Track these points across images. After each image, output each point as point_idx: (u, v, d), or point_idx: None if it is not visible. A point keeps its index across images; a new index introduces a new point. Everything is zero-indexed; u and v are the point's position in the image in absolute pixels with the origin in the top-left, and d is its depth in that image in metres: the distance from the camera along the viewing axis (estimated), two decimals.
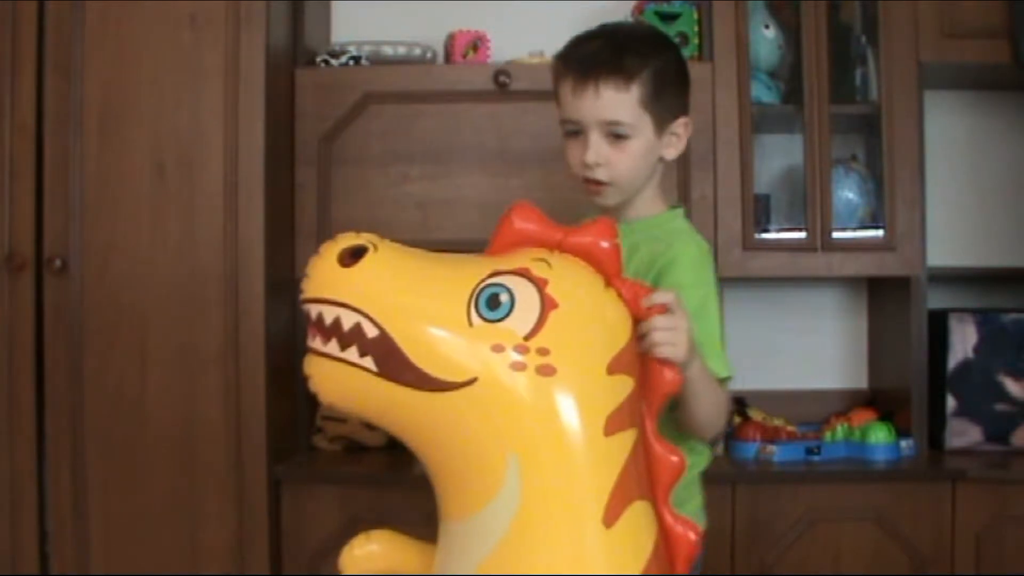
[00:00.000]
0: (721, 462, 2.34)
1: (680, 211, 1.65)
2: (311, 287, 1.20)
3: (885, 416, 2.40)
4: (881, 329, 2.63)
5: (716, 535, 2.20)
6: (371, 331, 1.14)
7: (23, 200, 2.22)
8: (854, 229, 2.42)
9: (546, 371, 1.16)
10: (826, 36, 2.37)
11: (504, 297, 1.17)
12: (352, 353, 1.15)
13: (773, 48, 2.48)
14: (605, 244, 1.25)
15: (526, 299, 1.18)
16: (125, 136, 2.22)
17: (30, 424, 2.21)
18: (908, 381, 2.38)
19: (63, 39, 2.21)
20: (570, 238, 1.25)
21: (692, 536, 1.26)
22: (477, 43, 2.46)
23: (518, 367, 1.16)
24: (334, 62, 2.43)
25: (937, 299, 2.44)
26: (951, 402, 2.40)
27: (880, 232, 2.39)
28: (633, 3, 2.48)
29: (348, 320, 1.15)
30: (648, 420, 1.26)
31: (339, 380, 1.18)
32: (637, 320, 1.25)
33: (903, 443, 2.33)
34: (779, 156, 2.60)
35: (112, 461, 2.21)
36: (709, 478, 2.23)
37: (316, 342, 1.17)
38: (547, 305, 1.18)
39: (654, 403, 1.26)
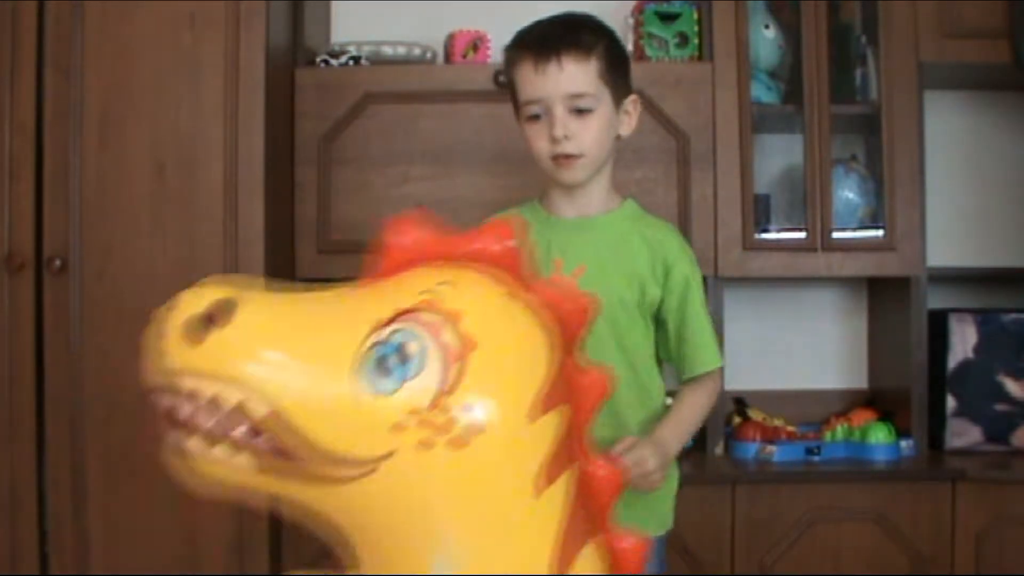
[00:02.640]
0: (721, 462, 2.34)
1: (632, 198, 1.72)
2: (155, 373, 0.96)
3: (885, 416, 2.40)
4: (881, 329, 2.63)
5: (716, 535, 2.21)
6: (258, 411, 0.92)
7: (23, 200, 2.22)
8: (854, 229, 2.43)
9: (459, 443, 0.95)
10: (826, 36, 2.37)
11: (402, 353, 0.94)
12: (227, 440, 0.93)
13: (773, 48, 2.48)
14: (510, 245, 1.05)
15: (432, 348, 0.95)
16: (125, 136, 2.22)
17: (30, 424, 2.21)
18: (908, 381, 2.38)
19: (63, 39, 2.20)
20: (468, 247, 1.04)
21: (639, 546, 1.10)
22: (477, 43, 2.46)
23: (425, 445, 0.94)
24: (334, 62, 2.43)
25: (937, 299, 2.44)
26: (951, 402, 2.40)
27: (880, 232, 2.39)
28: (633, 3, 2.48)
29: (224, 399, 0.92)
30: (579, 441, 1.07)
31: (217, 473, 0.97)
32: (566, 326, 1.06)
33: (903, 443, 2.33)
34: (779, 156, 2.60)
35: (112, 461, 2.21)
36: (709, 479, 2.25)
37: (177, 436, 0.95)
38: (465, 348, 0.96)
39: (583, 418, 1.07)
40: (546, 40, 1.58)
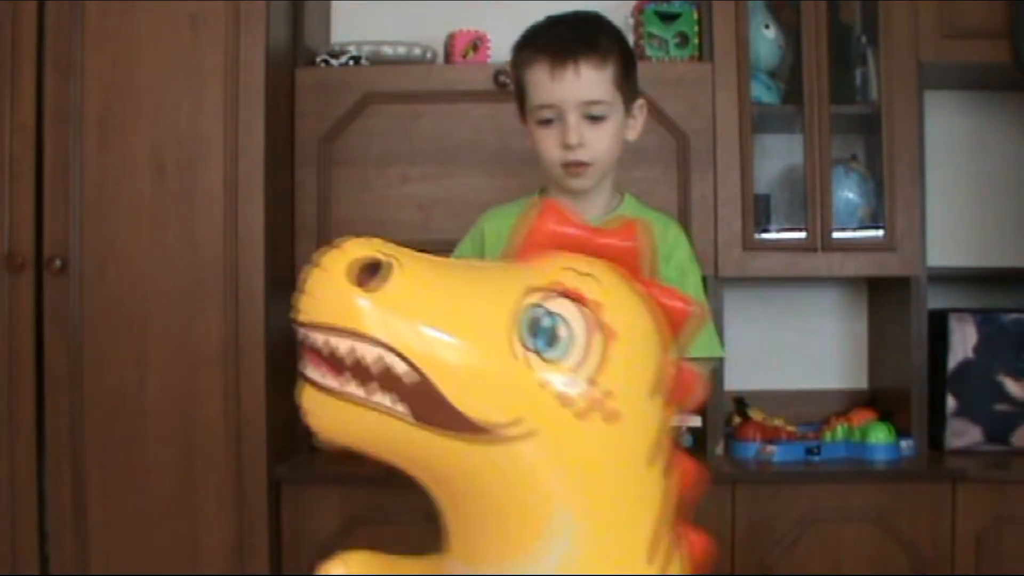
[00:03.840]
0: (721, 462, 2.34)
1: (630, 194, 1.71)
2: (316, 310, 0.97)
3: (885, 416, 2.40)
4: (881, 329, 2.63)
5: (716, 535, 2.20)
6: (402, 370, 0.95)
7: (23, 200, 2.22)
8: (854, 229, 2.42)
9: (612, 417, 1.01)
10: (826, 36, 2.37)
11: (562, 331, 0.99)
12: (377, 394, 0.95)
13: (773, 48, 2.48)
14: (633, 244, 1.11)
15: (583, 331, 1.01)
16: (125, 136, 2.22)
17: (30, 424, 2.21)
18: (908, 381, 2.38)
19: (63, 39, 2.21)
20: (604, 240, 1.10)
21: (708, 546, 1.18)
22: (477, 43, 2.46)
23: (584, 415, 0.99)
24: (334, 62, 2.43)
25: (937, 299, 2.44)
26: (951, 402, 2.40)
27: (880, 232, 2.39)
28: (633, 3, 2.48)
29: (369, 354, 0.94)
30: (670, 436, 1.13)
31: (352, 421, 0.99)
32: (671, 325, 1.12)
33: (903, 443, 2.33)
34: (779, 156, 2.60)
35: (112, 461, 2.21)
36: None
37: (321, 374, 0.97)
38: (607, 338, 1.01)
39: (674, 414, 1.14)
40: (564, 44, 1.54)
